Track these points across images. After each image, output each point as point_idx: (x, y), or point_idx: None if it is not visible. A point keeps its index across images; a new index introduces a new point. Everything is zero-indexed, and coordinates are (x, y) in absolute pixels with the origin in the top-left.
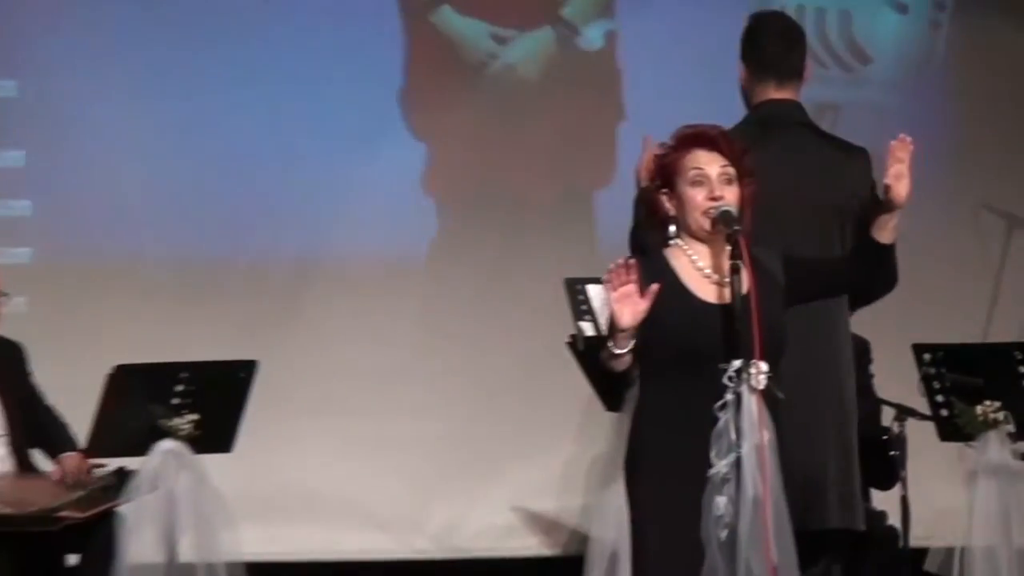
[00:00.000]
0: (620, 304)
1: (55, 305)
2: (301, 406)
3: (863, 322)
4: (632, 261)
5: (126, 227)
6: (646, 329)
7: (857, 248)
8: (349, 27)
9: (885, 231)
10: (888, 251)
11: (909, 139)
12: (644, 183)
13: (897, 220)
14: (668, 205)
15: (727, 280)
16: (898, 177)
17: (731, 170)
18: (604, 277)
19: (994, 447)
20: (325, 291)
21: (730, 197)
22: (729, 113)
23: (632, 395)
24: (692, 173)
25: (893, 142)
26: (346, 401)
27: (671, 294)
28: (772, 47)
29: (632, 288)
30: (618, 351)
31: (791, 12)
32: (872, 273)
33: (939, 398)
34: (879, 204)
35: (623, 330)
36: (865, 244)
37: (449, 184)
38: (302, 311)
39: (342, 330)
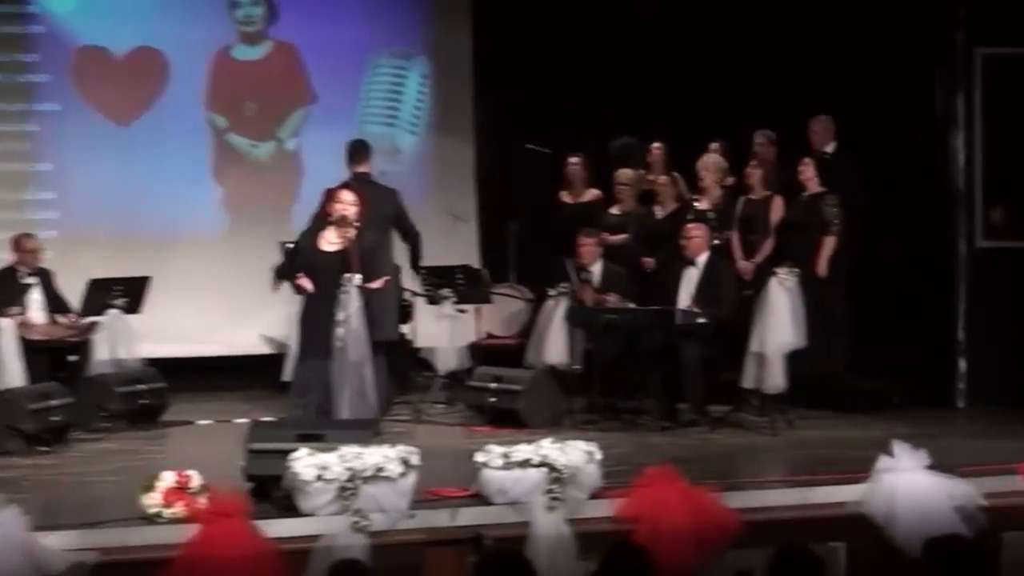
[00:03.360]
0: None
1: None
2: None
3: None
4: (305, 281)
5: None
6: (305, 266)
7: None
8: (181, 139)
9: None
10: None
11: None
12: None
13: None
14: (328, 209)
15: (343, 242)
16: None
17: (355, 199)
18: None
19: (447, 307)
20: (178, 250)
21: (353, 211)
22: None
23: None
24: (338, 199)
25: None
26: (184, 286)
27: (313, 250)
28: (362, 150)
29: (308, 288)
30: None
31: (369, 135)
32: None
33: (427, 287)
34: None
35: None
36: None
37: (232, 206)
38: (164, 258)
39: (184, 261)
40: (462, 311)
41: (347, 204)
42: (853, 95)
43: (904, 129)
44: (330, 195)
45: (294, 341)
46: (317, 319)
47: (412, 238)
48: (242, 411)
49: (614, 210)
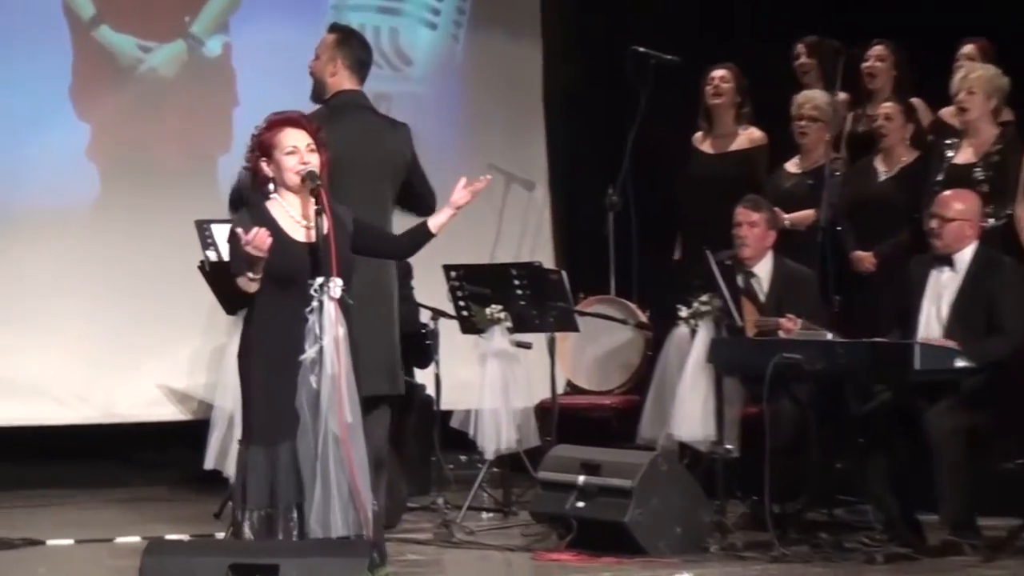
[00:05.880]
0: (254, 251)
1: None
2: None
3: None
4: (264, 231)
5: None
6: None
7: (413, 231)
8: (21, 38)
9: (439, 226)
10: (431, 236)
11: (487, 178)
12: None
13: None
14: (267, 170)
15: (311, 224)
16: (466, 197)
17: (313, 142)
18: (240, 233)
19: (498, 337)
20: (13, 233)
21: (314, 162)
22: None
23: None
24: (285, 146)
25: (477, 182)
26: (27, 305)
27: (275, 237)
28: (361, 52)
29: (267, 243)
30: (253, 278)
31: (356, 27)
32: (414, 248)
33: (461, 303)
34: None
35: (256, 266)
36: (421, 230)
37: (107, 155)
38: None
39: (23, 256)
40: (523, 346)
41: (303, 152)
42: None
43: None
44: (261, 139)
45: (228, 400)
46: (276, 359)
47: (428, 207)
48: (130, 523)
49: (792, 166)
